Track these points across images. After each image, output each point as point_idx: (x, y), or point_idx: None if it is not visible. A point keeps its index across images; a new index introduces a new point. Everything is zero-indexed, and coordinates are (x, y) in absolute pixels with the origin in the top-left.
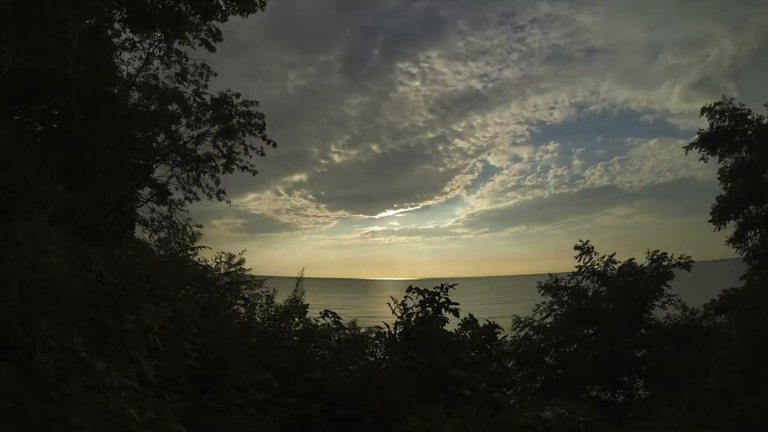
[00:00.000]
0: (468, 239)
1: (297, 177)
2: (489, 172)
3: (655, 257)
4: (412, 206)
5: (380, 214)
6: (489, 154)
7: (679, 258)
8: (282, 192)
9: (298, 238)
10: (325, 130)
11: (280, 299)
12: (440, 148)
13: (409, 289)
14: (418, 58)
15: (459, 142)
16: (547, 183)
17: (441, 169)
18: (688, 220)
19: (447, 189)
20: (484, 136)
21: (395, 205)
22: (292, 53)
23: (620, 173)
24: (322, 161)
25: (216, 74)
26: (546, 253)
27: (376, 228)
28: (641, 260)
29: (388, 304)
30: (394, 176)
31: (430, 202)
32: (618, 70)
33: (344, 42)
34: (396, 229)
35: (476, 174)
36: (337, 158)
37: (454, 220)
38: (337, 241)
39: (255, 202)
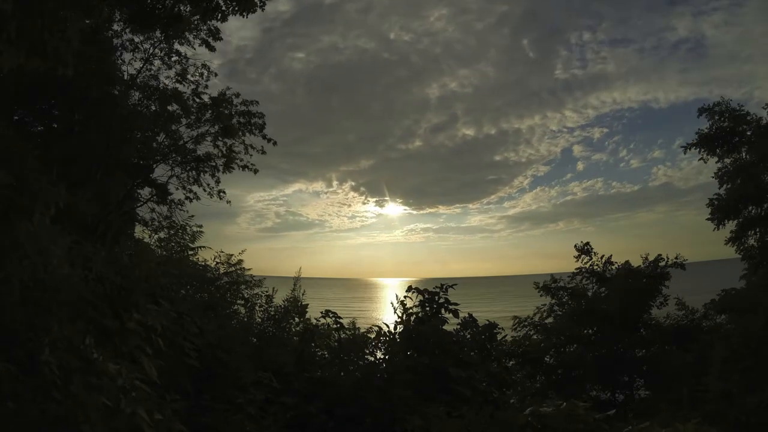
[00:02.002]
0: (505, 236)
1: (364, 163)
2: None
3: (650, 259)
4: (473, 203)
5: (434, 210)
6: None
7: (675, 258)
8: (334, 183)
9: (343, 236)
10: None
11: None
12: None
13: (409, 289)
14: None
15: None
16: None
17: (513, 160)
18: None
19: (515, 183)
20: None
21: (456, 202)
22: None
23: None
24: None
25: (216, 74)
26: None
27: (425, 225)
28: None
29: (391, 303)
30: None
31: (489, 197)
32: None
33: None
34: (451, 226)
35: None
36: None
37: (499, 216)
38: (375, 239)
39: (299, 195)
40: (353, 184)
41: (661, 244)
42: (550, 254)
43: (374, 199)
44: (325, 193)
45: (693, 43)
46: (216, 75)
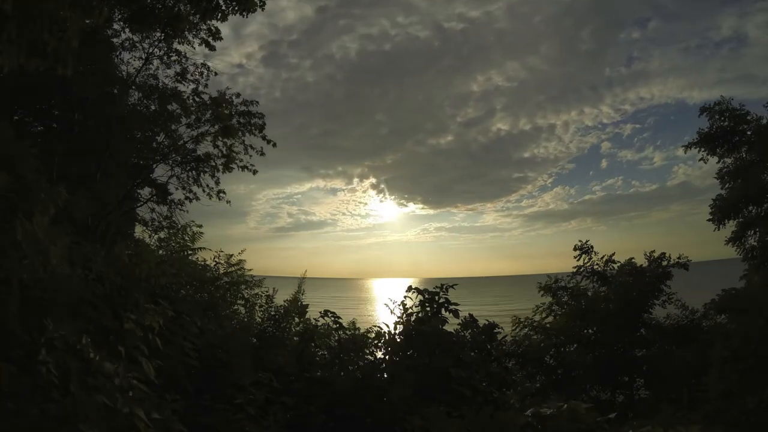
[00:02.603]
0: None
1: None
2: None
3: (653, 257)
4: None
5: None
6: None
7: (678, 258)
8: (354, 180)
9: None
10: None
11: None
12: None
13: (409, 289)
14: None
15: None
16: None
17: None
18: None
19: (539, 181)
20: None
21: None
22: None
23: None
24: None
25: (216, 74)
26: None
27: (439, 224)
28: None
29: (385, 304)
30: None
31: (509, 197)
32: None
33: None
34: (464, 226)
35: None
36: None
37: (516, 214)
38: (391, 238)
39: (314, 193)
40: (374, 181)
41: (670, 242)
42: (558, 253)
43: (392, 198)
44: (343, 190)
45: (735, 42)
46: (216, 74)
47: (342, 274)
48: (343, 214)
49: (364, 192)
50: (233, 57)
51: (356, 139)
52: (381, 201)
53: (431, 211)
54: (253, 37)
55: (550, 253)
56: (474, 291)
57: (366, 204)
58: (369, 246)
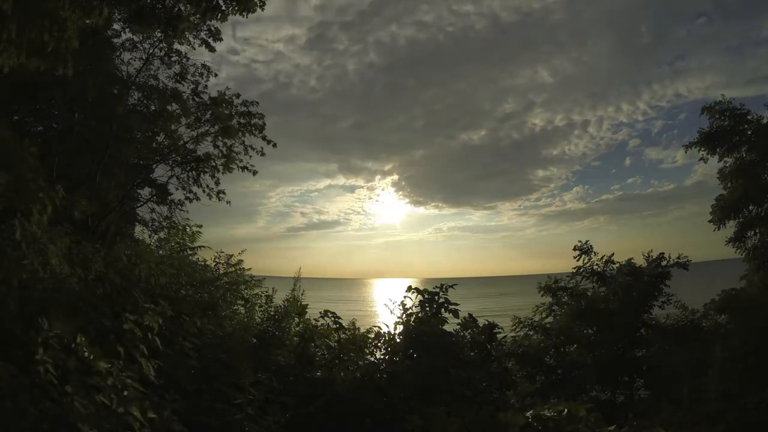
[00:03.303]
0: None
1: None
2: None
3: (652, 257)
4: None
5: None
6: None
7: (677, 258)
8: (376, 177)
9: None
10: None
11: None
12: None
13: (409, 289)
14: None
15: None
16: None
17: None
18: None
19: (562, 178)
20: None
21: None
22: None
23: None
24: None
25: (216, 74)
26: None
27: (453, 224)
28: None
29: (385, 304)
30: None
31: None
32: None
33: None
34: (479, 225)
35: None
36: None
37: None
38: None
39: (331, 190)
40: (395, 178)
41: (674, 242)
42: (567, 253)
43: (410, 196)
44: (362, 187)
45: None
46: (216, 75)
47: (352, 275)
48: (357, 213)
49: (383, 190)
50: (272, 40)
51: (388, 133)
52: (398, 199)
53: (448, 210)
54: (301, 18)
55: (560, 253)
56: (472, 290)
57: (382, 202)
58: (384, 245)
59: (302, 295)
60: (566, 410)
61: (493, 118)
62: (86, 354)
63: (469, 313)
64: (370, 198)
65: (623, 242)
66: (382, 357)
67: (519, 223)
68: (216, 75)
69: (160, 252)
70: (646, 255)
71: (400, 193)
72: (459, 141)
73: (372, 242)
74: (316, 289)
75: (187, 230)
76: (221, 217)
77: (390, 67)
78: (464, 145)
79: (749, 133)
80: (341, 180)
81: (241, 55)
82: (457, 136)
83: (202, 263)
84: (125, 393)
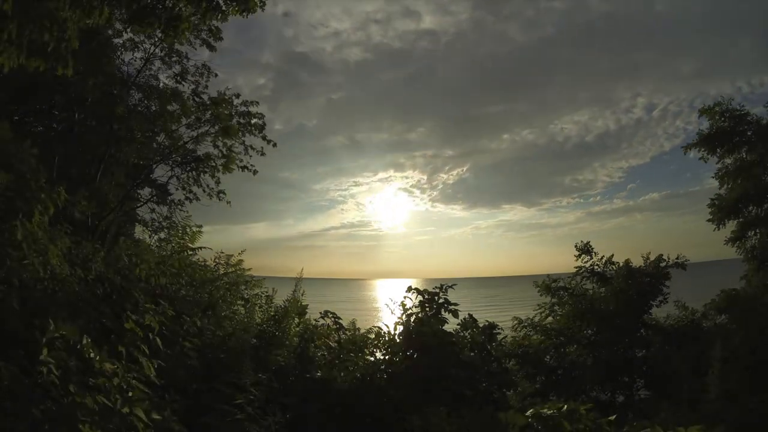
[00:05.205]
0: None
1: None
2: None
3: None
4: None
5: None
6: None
7: (676, 258)
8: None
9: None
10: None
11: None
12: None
13: (409, 289)
14: None
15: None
16: None
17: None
18: None
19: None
20: None
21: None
22: None
23: None
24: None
25: (216, 74)
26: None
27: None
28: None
29: (386, 304)
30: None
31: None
32: None
33: None
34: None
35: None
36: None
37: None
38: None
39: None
40: (446, 178)
41: (685, 241)
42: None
43: (452, 196)
44: (413, 191)
45: None
46: (216, 75)
47: (379, 275)
48: (388, 210)
49: (427, 184)
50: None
51: (461, 124)
52: (435, 197)
53: (488, 210)
54: None
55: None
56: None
57: (420, 199)
58: (413, 244)
59: (302, 295)
60: (566, 407)
61: (569, 116)
62: (91, 355)
63: (469, 314)
64: (412, 193)
65: (639, 240)
66: (382, 357)
67: (553, 222)
68: (216, 75)
69: (161, 252)
70: (645, 256)
71: (440, 188)
72: (522, 138)
73: (411, 240)
74: (344, 290)
75: (187, 230)
76: (232, 217)
77: (536, 45)
78: (526, 144)
79: (749, 133)
80: (392, 173)
81: None
82: (520, 132)
83: (203, 263)
84: (130, 394)
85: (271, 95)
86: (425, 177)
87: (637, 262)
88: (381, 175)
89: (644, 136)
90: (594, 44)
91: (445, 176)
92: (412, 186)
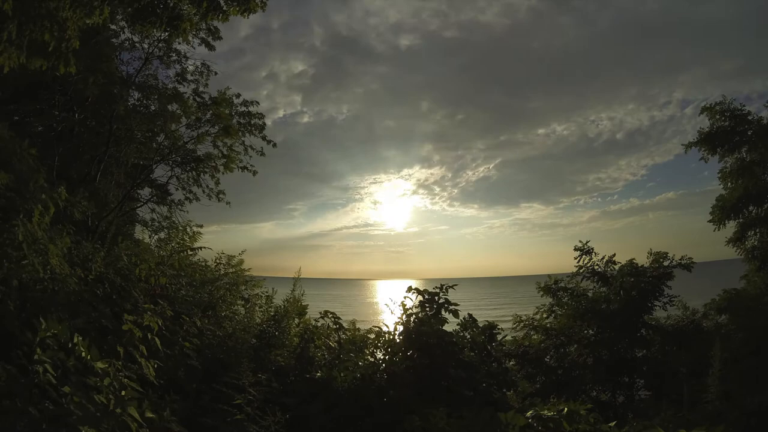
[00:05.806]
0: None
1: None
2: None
3: (655, 257)
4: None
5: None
6: None
7: (680, 258)
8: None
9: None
10: None
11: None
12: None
13: (409, 289)
14: None
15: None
16: None
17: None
18: None
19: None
20: None
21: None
22: None
23: None
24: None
25: (216, 73)
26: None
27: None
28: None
29: (386, 304)
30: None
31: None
32: None
33: None
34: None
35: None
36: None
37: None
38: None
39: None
40: (470, 175)
41: (686, 240)
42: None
43: (470, 197)
44: (430, 176)
45: None
46: (216, 74)
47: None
48: (403, 210)
49: (450, 181)
50: None
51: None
52: (455, 195)
53: (505, 209)
54: None
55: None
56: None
57: (439, 197)
58: (423, 244)
59: (302, 295)
60: (566, 409)
61: (595, 117)
62: (83, 354)
63: (468, 314)
64: (431, 190)
65: (642, 240)
66: (382, 357)
67: (565, 222)
68: (216, 74)
69: (161, 252)
70: (649, 254)
71: (461, 187)
72: (552, 131)
73: (431, 239)
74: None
75: (187, 230)
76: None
77: (610, 35)
78: (555, 141)
79: (750, 133)
80: (413, 171)
81: None
82: (550, 125)
83: (203, 264)
84: (123, 393)
85: (310, 83)
86: (450, 174)
87: (641, 261)
88: (405, 171)
89: (673, 133)
90: (643, 41)
91: (470, 173)
92: (433, 183)
